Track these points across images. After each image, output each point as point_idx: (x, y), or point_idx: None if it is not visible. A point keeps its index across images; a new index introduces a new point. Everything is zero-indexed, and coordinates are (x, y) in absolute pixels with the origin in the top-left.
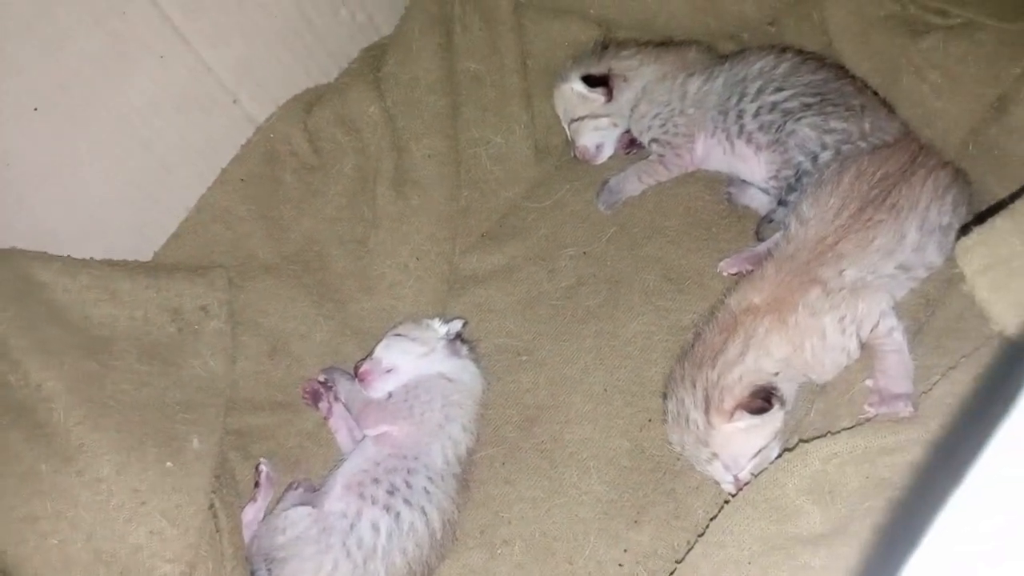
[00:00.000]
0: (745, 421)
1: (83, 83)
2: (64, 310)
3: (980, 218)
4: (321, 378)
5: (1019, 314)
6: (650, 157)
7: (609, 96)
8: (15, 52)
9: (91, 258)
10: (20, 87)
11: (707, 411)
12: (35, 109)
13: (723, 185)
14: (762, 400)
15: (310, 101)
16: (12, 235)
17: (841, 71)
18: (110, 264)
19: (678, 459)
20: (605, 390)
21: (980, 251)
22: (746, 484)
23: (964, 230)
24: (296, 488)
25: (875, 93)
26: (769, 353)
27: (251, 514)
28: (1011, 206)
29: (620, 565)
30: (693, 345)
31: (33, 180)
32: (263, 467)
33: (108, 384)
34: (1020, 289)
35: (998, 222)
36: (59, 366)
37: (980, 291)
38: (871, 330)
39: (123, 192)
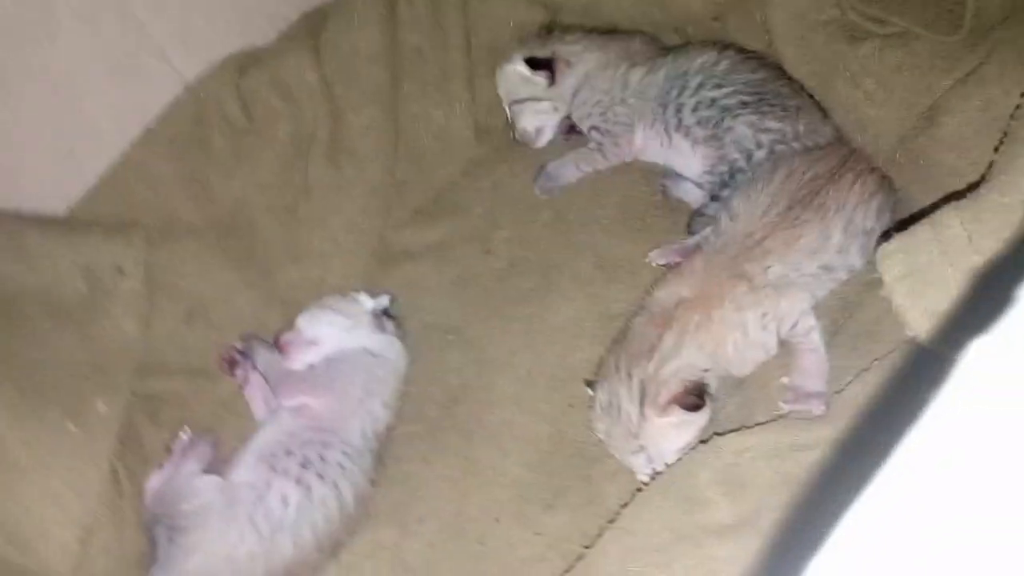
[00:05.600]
0: (677, 416)
1: (3, 41)
2: None
3: (902, 225)
4: (239, 346)
5: (931, 322)
6: (589, 145)
7: (552, 80)
8: None
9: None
10: None
11: (642, 404)
12: None
13: (659, 177)
14: (695, 397)
15: (245, 63)
16: None
17: (780, 72)
18: (20, 218)
19: (596, 445)
20: (530, 373)
21: (899, 258)
22: (658, 473)
23: (885, 236)
24: (198, 445)
25: (811, 96)
26: (701, 348)
27: (156, 482)
28: (931, 216)
29: (531, 548)
30: (627, 337)
31: None
32: (184, 436)
33: (12, 341)
34: (933, 298)
35: (919, 231)
36: None
37: (897, 297)
38: (791, 328)
39: (41, 143)
